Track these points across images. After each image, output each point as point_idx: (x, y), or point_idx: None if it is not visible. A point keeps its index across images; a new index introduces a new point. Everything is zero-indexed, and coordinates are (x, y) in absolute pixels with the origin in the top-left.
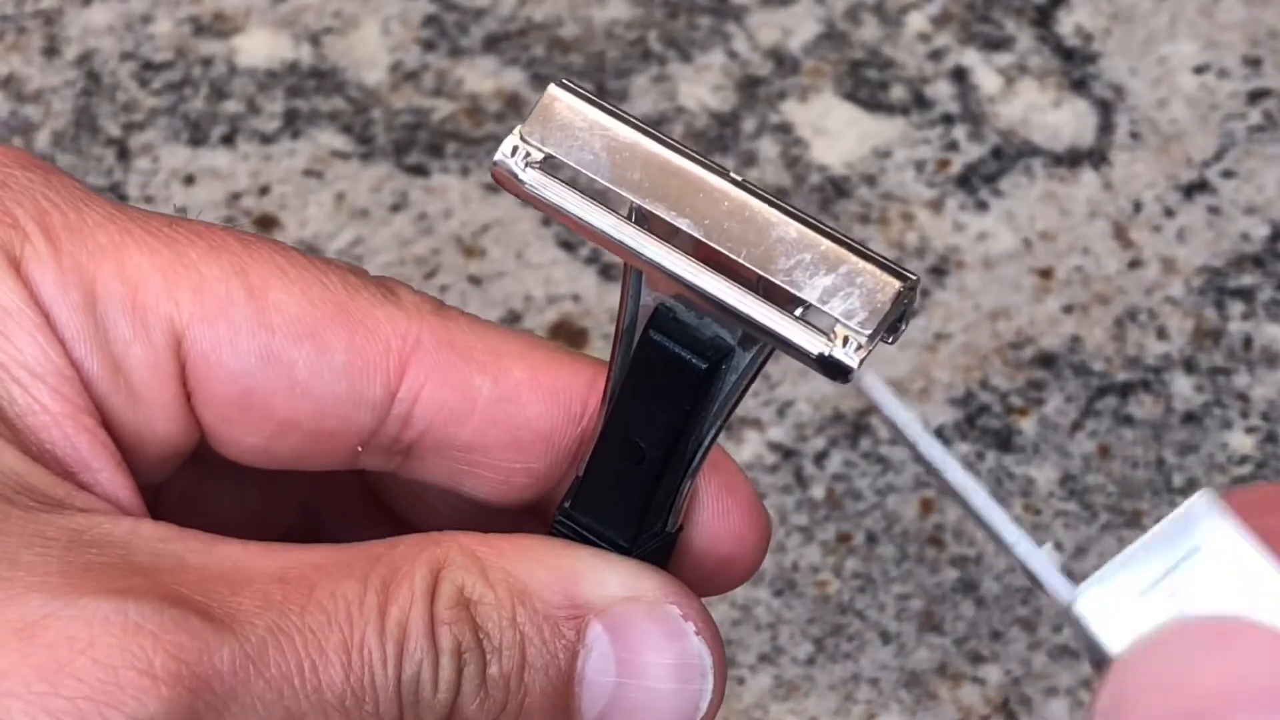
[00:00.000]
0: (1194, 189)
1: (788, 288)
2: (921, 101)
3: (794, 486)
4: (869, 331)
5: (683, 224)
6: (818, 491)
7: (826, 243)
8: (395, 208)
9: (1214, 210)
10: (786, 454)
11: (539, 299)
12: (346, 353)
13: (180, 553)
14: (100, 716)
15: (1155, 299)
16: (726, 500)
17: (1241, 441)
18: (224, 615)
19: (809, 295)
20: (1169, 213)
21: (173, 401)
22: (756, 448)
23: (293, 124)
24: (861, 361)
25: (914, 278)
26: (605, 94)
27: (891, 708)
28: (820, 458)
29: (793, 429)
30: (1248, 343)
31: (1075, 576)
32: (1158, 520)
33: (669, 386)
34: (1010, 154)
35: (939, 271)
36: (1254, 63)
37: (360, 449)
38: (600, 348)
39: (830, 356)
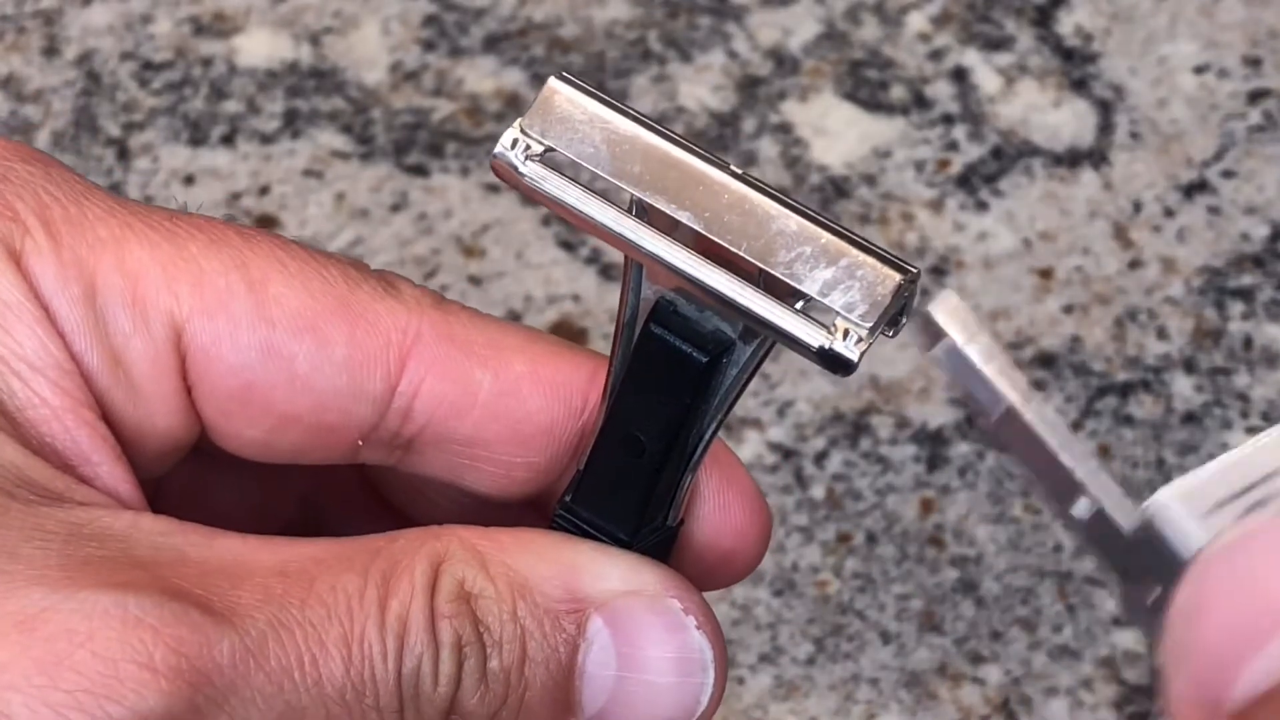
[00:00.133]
0: (1194, 189)
1: (788, 281)
2: (921, 101)
3: (794, 486)
4: (869, 325)
5: (683, 217)
6: (818, 491)
7: (827, 236)
8: (395, 208)
9: (1214, 210)
10: (786, 454)
11: (539, 299)
12: (347, 346)
13: (180, 546)
14: (100, 710)
15: (1155, 299)
16: (728, 494)
17: (1241, 442)
18: (224, 609)
19: (809, 288)
20: (1169, 213)
21: (173, 395)
22: (756, 448)
23: (293, 124)
24: (862, 355)
25: (915, 270)
26: (605, 94)
27: (891, 708)
28: (820, 458)
29: (793, 429)
30: (1248, 343)
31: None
32: None
33: (670, 380)
34: (1010, 154)
35: (939, 271)
36: (1254, 63)
37: (361, 443)
38: (600, 347)
39: (831, 349)
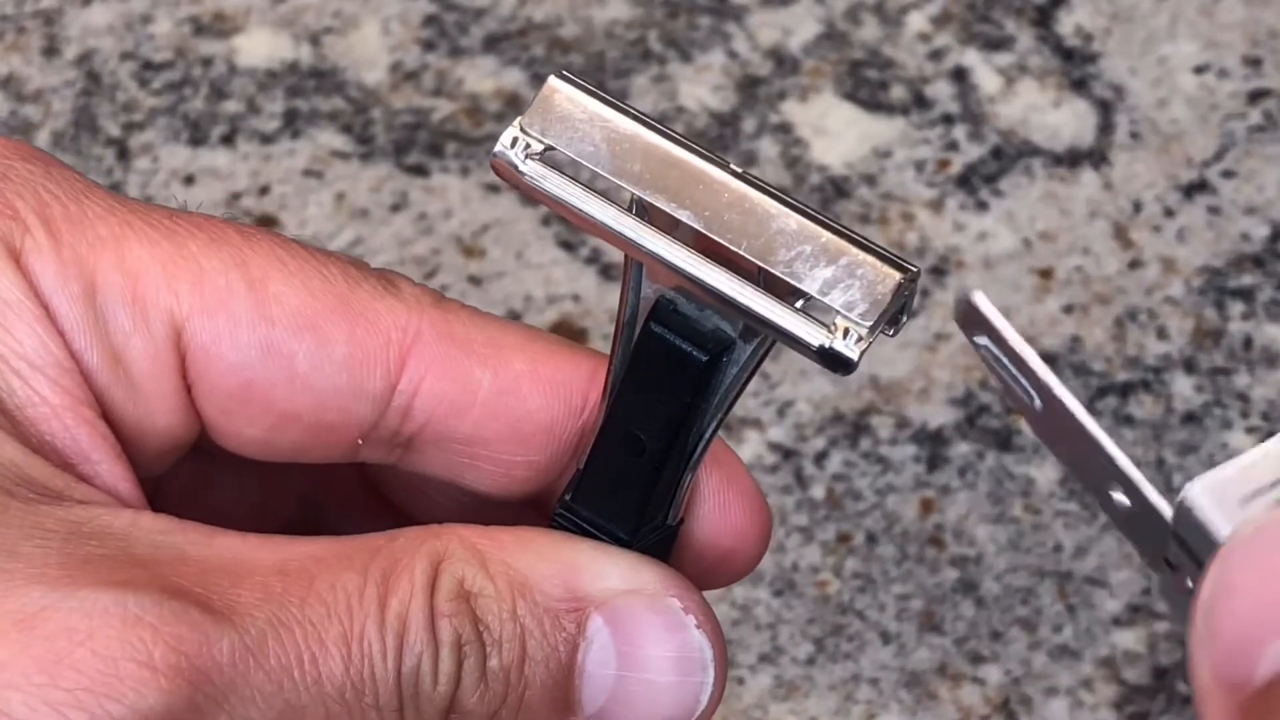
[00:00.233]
0: (1194, 189)
1: (788, 279)
2: (921, 101)
3: (794, 486)
4: (869, 323)
5: (683, 216)
6: (818, 491)
7: (827, 234)
8: (395, 208)
9: (1214, 210)
10: (786, 454)
11: (539, 299)
12: (347, 345)
13: (180, 545)
14: (99, 708)
15: (1155, 299)
16: (728, 493)
17: (1241, 441)
18: (224, 607)
19: (809, 287)
20: (1169, 213)
21: (173, 393)
22: (756, 448)
23: (293, 124)
24: (862, 354)
25: (915, 269)
26: (605, 93)
27: (891, 708)
28: (820, 458)
29: (793, 429)
30: (1248, 343)
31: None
32: None
33: (670, 379)
34: (1010, 154)
35: (939, 271)
36: (1254, 63)
37: (360, 441)
38: (600, 347)
39: (831, 348)
